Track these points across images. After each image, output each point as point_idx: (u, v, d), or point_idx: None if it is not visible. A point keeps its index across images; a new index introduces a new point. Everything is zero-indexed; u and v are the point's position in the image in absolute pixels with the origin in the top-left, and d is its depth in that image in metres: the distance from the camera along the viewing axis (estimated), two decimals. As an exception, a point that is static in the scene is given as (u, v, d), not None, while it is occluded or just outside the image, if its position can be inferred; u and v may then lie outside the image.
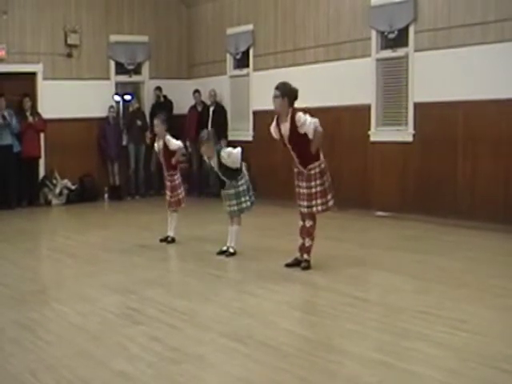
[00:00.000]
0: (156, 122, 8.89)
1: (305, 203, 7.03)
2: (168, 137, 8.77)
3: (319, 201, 6.97)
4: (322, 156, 7.03)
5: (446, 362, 4.42)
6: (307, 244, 7.14)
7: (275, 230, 9.36)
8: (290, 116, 6.83)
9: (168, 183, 8.90)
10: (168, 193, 8.91)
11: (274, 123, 7.06)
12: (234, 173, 7.79)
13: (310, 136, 6.81)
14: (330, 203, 7.07)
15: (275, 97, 6.86)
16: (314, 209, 7.01)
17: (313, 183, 6.97)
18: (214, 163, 7.83)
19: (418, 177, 10.39)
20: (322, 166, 7.00)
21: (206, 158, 8.02)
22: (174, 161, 8.75)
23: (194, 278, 7.05)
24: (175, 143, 8.77)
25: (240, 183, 7.82)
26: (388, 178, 10.85)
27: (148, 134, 13.99)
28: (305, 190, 7.02)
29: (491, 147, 9.36)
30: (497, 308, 5.67)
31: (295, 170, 7.11)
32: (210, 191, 13.25)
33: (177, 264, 8.28)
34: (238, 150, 7.76)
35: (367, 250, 8.23)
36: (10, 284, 6.94)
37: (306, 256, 7.18)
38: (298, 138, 6.84)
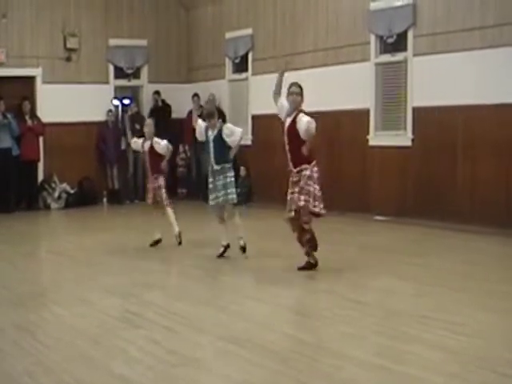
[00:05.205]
0: (149, 121, 9.01)
1: (293, 206, 7.00)
2: (156, 139, 8.78)
3: (302, 197, 6.92)
4: (314, 163, 7.04)
5: (445, 365, 4.41)
6: (306, 237, 7.05)
7: (275, 234, 9.34)
8: (296, 113, 7.05)
9: (151, 185, 8.83)
10: (150, 194, 8.87)
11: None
12: (226, 154, 7.85)
13: (301, 133, 6.92)
14: (313, 208, 6.94)
15: (296, 94, 7.06)
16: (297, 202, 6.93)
17: (302, 182, 6.96)
18: (212, 133, 7.92)
19: (417, 181, 10.40)
20: (315, 175, 7.00)
21: (209, 129, 8.02)
22: (162, 165, 8.75)
23: (194, 282, 7.05)
24: (163, 145, 8.74)
25: (229, 174, 7.89)
26: (387, 182, 10.85)
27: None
28: (295, 193, 6.99)
29: (490, 151, 9.37)
30: (497, 312, 5.67)
31: (290, 178, 7.13)
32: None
33: (176, 267, 8.27)
34: (240, 129, 8.00)
35: (367, 253, 8.23)
36: (9, 286, 6.94)
37: (304, 249, 7.12)
38: (294, 133, 7.01)
